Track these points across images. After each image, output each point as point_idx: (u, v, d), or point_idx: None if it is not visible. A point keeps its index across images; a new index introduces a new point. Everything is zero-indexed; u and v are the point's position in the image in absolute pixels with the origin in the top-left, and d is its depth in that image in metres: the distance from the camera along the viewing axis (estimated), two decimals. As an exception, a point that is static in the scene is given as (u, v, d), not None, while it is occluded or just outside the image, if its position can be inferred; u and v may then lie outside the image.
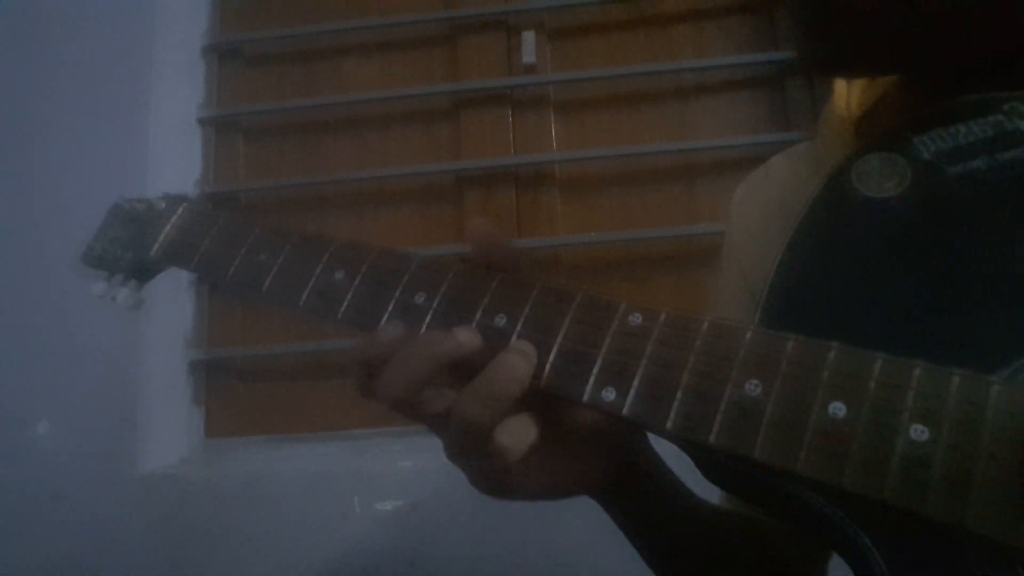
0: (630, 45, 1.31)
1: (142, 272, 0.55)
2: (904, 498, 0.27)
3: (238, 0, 1.43)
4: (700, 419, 0.31)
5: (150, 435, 1.18)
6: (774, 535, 0.52)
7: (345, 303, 0.41)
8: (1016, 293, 0.31)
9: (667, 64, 1.27)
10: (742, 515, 0.54)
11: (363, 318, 0.41)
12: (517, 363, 0.34)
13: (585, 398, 0.34)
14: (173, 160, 1.31)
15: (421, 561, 1.06)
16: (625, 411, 0.33)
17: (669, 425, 0.32)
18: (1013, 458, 0.26)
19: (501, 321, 0.37)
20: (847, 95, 0.50)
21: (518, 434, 0.34)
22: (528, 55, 1.29)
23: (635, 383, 0.33)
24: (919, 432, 0.27)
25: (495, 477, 0.36)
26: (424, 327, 0.39)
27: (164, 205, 0.54)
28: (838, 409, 0.29)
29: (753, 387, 0.31)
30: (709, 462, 0.33)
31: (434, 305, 0.39)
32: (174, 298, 1.28)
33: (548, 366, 0.35)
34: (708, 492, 0.44)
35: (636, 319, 0.34)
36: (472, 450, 0.35)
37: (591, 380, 0.34)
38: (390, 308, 0.40)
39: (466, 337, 0.36)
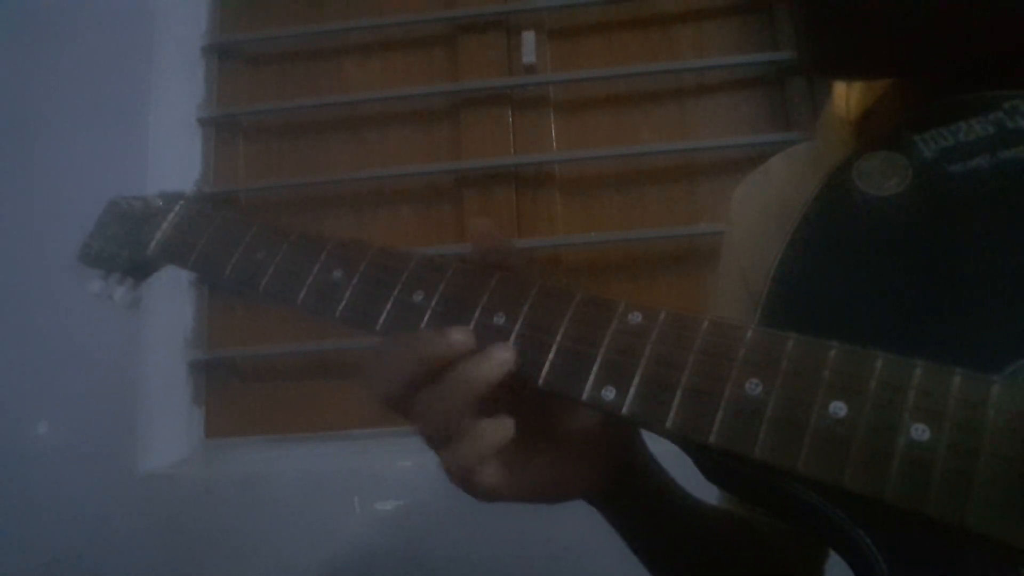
0: (630, 45, 1.31)
1: (139, 270, 0.55)
2: (905, 498, 0.26)
3: (238, 0, 1.43)
4: (700, 418, 0.31)
5: (150, 435, 1.18)
6: (772, 535, 0.52)
7: (343, 302, 0.41)
8: (1017, 292, 0.31)
9: (667, 64, 1.27)
10: (740, 516, 0.54)
11: (361, 317, 0.41)
12: (482, 364, 0.35)
13: (584, 397, 0.34)
14: (173, 160, 1.31)
15: (421, 561, 1.05)
16: (624, 410, 0.33)
17: (669, 424, 0.31)
18: (1014, 458, 0.26)
19: (500, 320, 0.37)
20: (847, 95, 0.50)
21: (474, 442, 0.35)
22: (528, 55, 1.29)
23: (635, 382, 0.33)
24: (920, 432, 0.27)
25: (464, 482, 0.36)
26: (423, 325, 0.38)
27: (161, 203, 0.53)
28: (839, 408, 0.29)
29: (753, 386, 0.30)
30: (709, 461, 0.33)
31: (432, 304, 0.39)
32: (174, 298, 1.28)
33: (547, 365, 0.35)
34: (707, 491, 0.44)
35: (636, 318, 0.34)
36: (440, 455, 0.36)
37: (590, 379, 0.34)
38: (388, 307, 0.40)
39: (459, 338, 0.36)
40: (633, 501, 0.44)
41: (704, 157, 1.24)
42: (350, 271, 0.42)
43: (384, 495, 1.09)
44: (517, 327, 0.36)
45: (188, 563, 1.10)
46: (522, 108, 1.31)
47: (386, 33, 1.37)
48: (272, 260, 0.45)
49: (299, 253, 0.44)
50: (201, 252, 0.49)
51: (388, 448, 1.16)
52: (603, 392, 0.33)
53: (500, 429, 0.35)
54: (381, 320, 0.40)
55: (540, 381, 0.35)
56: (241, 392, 1.29)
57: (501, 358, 0.35)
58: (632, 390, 0.33)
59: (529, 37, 1.30)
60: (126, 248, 0.54)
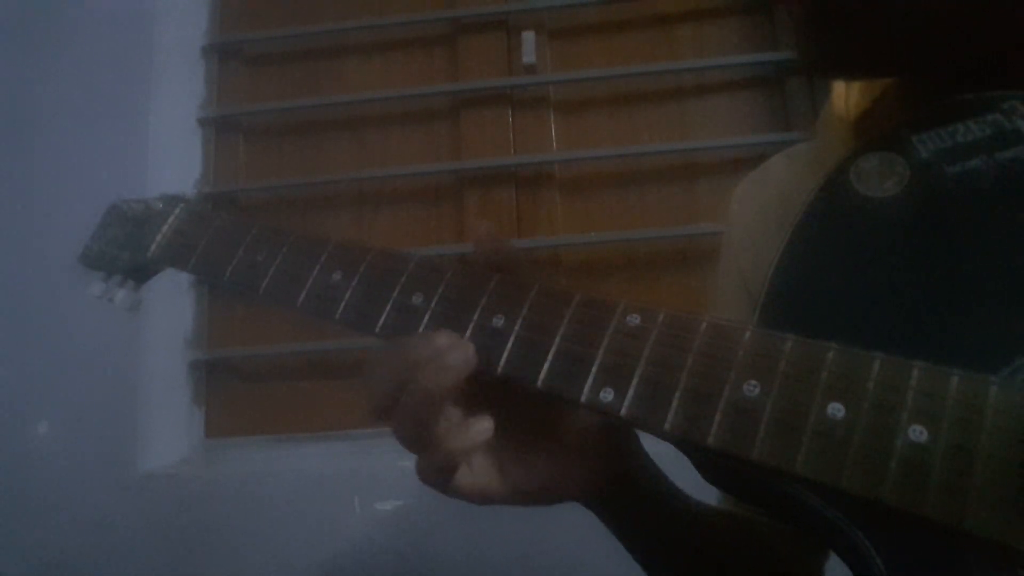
0: (630, 45, 1.31)
1: (139, 272, 0.55)
2: (903, 499, 0.26)
3: (238, 0, 1.43)
4: (699, 420, 0.31)
5: (150, 435, 1.18)
6: (771, 536, 0.52)
7: (343, 303, 0.41)
8: (1015, 292, 0.31)
9: (667, 64, 1.27)
10: (738, 517, 0.54)
11: (360, 319, 0.41)
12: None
13: (583, 398, 0.34)
14: (173, 160, 1.31)
15: (421, 561, 1.05)
16: (623, 412, 0.33)
17: (667, 426, 0.31)
18: (1012, 459, 0.26)
19: (499, 322, 0.37)
20: (846, 95, 0.50)
21: (444, 443, 0.35)
22: (528, 55, 1.29)
23: (633, 383, 0.33)
24: (918, 433, 0.27)
25: (439, 485, 0.37)
26: (422, 327, 0.38)
27: (161, 205, 0.54)
28: (837, 410, 0.29)
29: (752, 388, 0.30)
30: (707, 463, 0.33)
31: (432, 306, 0.39)
32: (174, 298, 1.28)
33: (546, 366, 0.35)
34: (706, 493, 0.44)
35: (634, 319, 0.34)
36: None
37: (589, 380, 0.34)
38: (387, 309, 0.40)
39: (443, 341, 0.36)
40: (629, 504, 0.44)
41: (704, 157, 1.24)
42: (349, 273, 0.42)
43: (384, 495, 1.09)
44: (516, 328, 0.36)
45: (188, 563, 1.10)
46: (522, 108, 1.31)
47: (386, 33, 1.36)
48: (272, 262, 0.45)
49: (298, 255, 0.44)
50: (201, 255, 0.49)
51: (388, 448, 1.16)
52: (602, 394, 0.33)
53: (470, 435, 0.35)
54: (380, 322, 0.40)
55: (539, 383, 0.35)
56: (241, 392, 1.29)
57: (460, 357, 0.35)
58: (631, 392, 0.33)
59: (529, 37, 1.30)
60: (127, 251, 0.54)
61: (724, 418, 0.30)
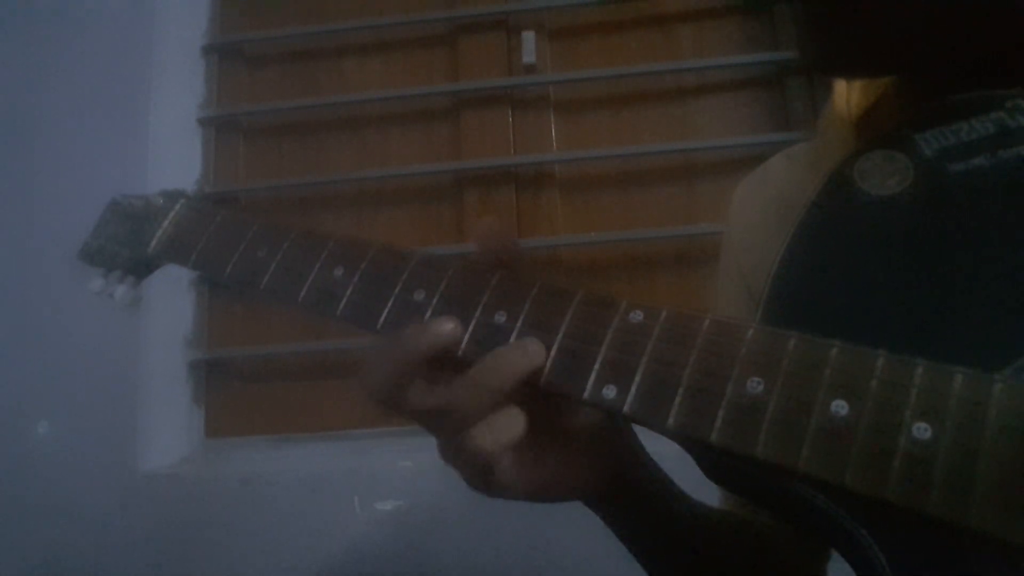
0: (630, 45, 1.31)
1: (139, 268, 0.55)
2: (906, 496, 0.26)
3: (238, 0, 1.43)
4: (701, 417, 0.31)
5: (150, 435, 1.18)
6: (773, 536, 0.52)
7: (344, 300, 0.41)
8: (1017, 291, 0.31)
9: (667, 64, 1.27)
10: (740, 517, 0.54)
11: (362, 315, 0.41)
12: (514, 357, 0.34)
13: (585, 396, 0.34)
14: (173, 160, 1.30)
15: (421, 561, 1.05)
16: (626, 409, 0.33)
17: (670, 423, 0.31)
18: (1016, 456, 0.26)
19: (501, 318, 0.37)
20: (847, 95, 0.50)
21: (499, 430, 0.34)
22: (528, 55, 1.29)
23: (636, 381, 0.33)
24: (921, 430, 0.27)
25: (480, 475, 0.36)
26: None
27: (162, 201, 0.53)
28: (840, 407, 0.29)
29: (755, 385, 0.30)
30: (710, 460, 0.33)
31: (433, 302, 0.39)
32: (174, 298, 1.28)
33: (548, 363, 0.35)
34: (708, 491, 0.44)
35: (637, 317, 0.34)
36: (459, 444, 0.35)
37: (591, 377, 0.34)
38: (389, 305, 0.40)
39: (447, 328, 0.36)
40: (631, 502, 0.44)
41: (704, 157, 1.24)
42: (351, 270, 0.42)
43: (384, 495, 1.08)
44: (518, 326, 0.36)
45: (188, 563, 1.10)
46: (522, 108, 1.31)
47: (386, 33, 1.36)
48: (273, 258, 0.45)
49: (300, 251, 0.44)
50: (202, 251, 0.49)
51: (388, 448, 1.16)
52: (604, 391, 0.33)
53: (518, 420, 0.35)
54: (382, 319, 0.40)
55: (541, 380, 0.35)
56: (241, 392, 1.29)
57: (534, 350, 0.35)
58: (633, 389, 0.33)
59: (529, 37, 1.30)
60: (127, 247, 0.54)
61: (727, 415, 0.30)
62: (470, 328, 0.37)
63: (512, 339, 0.36)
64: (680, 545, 0.47)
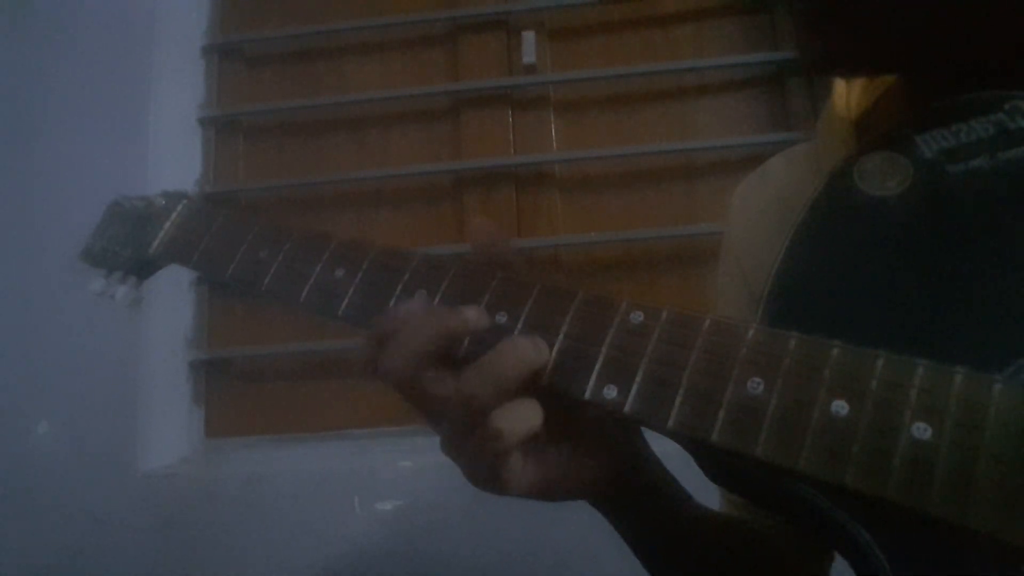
0: (630, 45, 1.31)
1: (141, 269, 0.55)
2: (907, 496, 0.27)
3: (238, 0, 1.43)
4: (702, 417, 0.31)
5: (150, 435, 1.18)
6: (775, 539, 0.52)
7: (345, 300, 0.41)
8: (1018, 292, 0.31)
9: (667, 64, 1.27)
10: (742, 519, 0.54)
11: (363, 316, 0.41)
12: (527, 347, 0.34)
13: (586, 396, 0.34)
14: (173, 160, 1.30)
15: (421, 561, 1.05)
16: (626, 409, 0.33)
17: (671, 423, 0.32)
18: (1015, 456, 0.26)
19: (502, 319, 0.37)
20: (847, 95, 0.50)
21: (517, 418, 0.34)
22: (528, 55, 1.29)
23: (637, 381, 0.33)
24: (921, 430, 0.27)
25: (489, 467, 0.35)
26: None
27: (164, 202, 0.54)
28: (840, 407, 0.29)
29: (755, 385, 0.31)
30: (711, 460, 0.33)
31: (435, 303, 0.39)
32: (174, 298, 1.28)
33: (549, 364, 0.35)
34: (709, 492, 0.44)
35: (638, 317, 0.34)
36: (470, 433, 0.34)
37: (592, 378, 0.34)
38: (390, 305, 0.40)
39: (473, 315, 0.36)
40: (635, 502, 0.44)
41: (704, 157, 1.24)
42: (352, 270, 0.42)
43: (384, 495, 1.09)
44: (519, 326, 0.36)
45: (188, 563, 1.10)
46: (522, 108, 1.31)
47: (386, 33, 1.36)
48: (274, 259, 0.45)
49: (301, 252, 0.44)
50: (204, 251, 0.49)
51: (388, 448, 1.16)
52: (605, 391, 0.33)
53: (536, 410, 0.35)
54: (383, 319, 0.40)
55: (543, 380, 0.35)
56: (241, 392, 1.29)
57: (542, 345, 0.35)
58: (634, 389, 0.33)
59: (529, 37, 1.30)
60: (128, 247, 0.54)
61: (728, 415, 0.30)
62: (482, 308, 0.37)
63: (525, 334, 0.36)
64: (683, 546, 0.47)
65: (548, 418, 0.37)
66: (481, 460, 0.35)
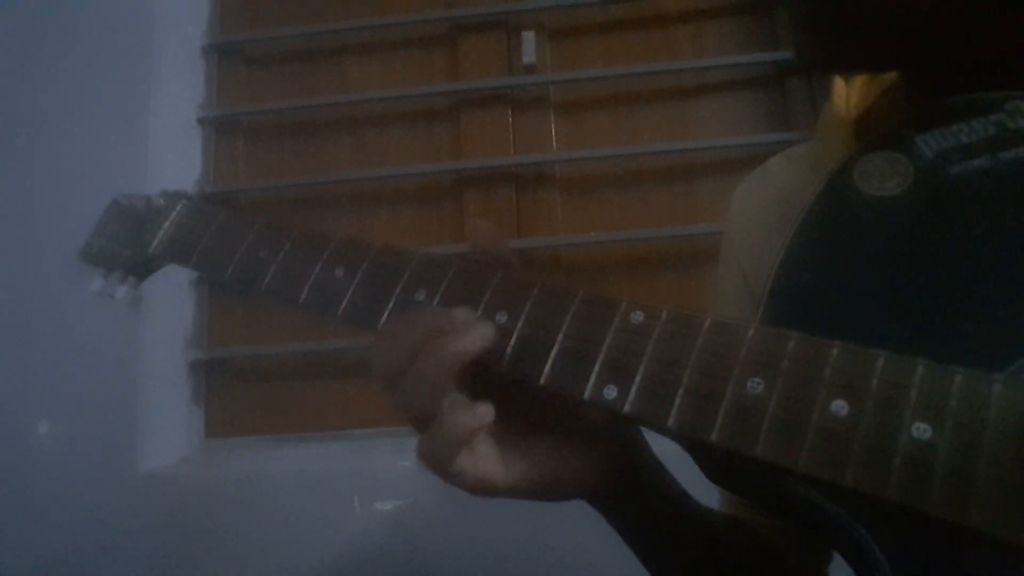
0: (630, 45, 1.31)
1: (140, 269, 0.55)
2: (907, 496, 0.26)
3: (238, 0, 1.43)
4: (702, 417, 0.31)
5: (150, 435, 1.18)
6: (774, 539, 0.52)
7: (345, 300, 0.41)
8: (1018, 292, 0.31)
9: (667, 64, 1.27)
10: (742, 519, 0.54)
11: (363, 315, 0.41)
12: (451, 344, 0.35)
13: (586, 396, 0.34)
14: (173, 160, 1.30)
15: (421, 561, 1.05)
16: (626, 409, 0.33)
17: (670, 423, 0.31)
18: (1016, 456, 0.26)
19: (502, 318, 0.37)
20: (846, 95, 0.50)
21: (446, 428, 0.35)
22: (528, 55, 1.29)
23: (636, 381, 0.33)
24: (921, 430, 0.27)
25: (442, 476, 0.36)
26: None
27: (163, 202, 0.54)
28: (840, 407, 0.29)
29: (755, 385, 0.30)
30: (710, 460, 0.33)
31: (435, 303, 0.39)
32: (174, 298, 1.28)
33: (549, 363, 0.35)
34: (709, 492, 0.44)
35: (637, 317, 0.34)
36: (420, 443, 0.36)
37: (592, 377, 0.34)
38: (390, 305, 0.40)
39: (461, 315, 0.36)
40: (635, 502, 0.44)
41: (704, 157, 1.24)
42: (352, 270, 0.42)
43: (384, 495, 1.08)
44: (519, 325, 0.36)
45: (188, 563, 1.10)
46: (522, 108, 1.31)
47: (386, 33, 1.36)
48: (274, 259, 0.45)
49: (301, 252, 0.44)
50: (203, 251, 0.49)
51: (388, 448, 1.16)
52: (605, 391, 0.33)
53: (475, 414, 0.35)
54: (383, 319, 0.40)
55: (542, 379, 0.35)
56: (241, 392, 1.29)
57: (479, 333, 0.35)
58: (634, 389, 0.33)
59: (529, 37, 1.30)
60: (128, 247, 0.54)
61: (727, 415, 0.30)
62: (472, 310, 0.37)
63: (513, 339, 0.36)
64: (683, 545, 0.47)
65: (547, 416, 0.37)
66: (429, 458, 0.36)
